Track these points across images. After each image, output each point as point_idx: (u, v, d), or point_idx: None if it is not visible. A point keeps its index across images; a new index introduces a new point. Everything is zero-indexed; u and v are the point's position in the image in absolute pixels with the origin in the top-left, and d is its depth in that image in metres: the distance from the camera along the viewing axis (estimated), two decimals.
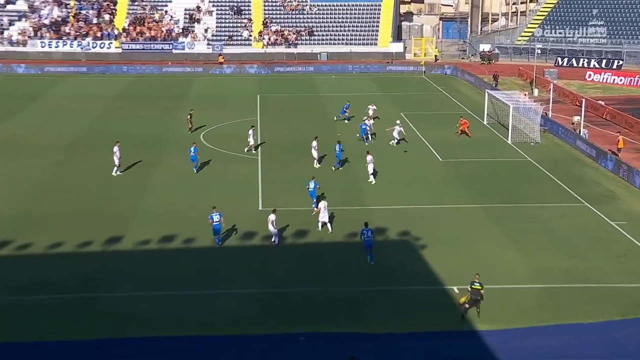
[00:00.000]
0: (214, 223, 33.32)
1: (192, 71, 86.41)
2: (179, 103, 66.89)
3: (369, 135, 52.41)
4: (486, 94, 61.00)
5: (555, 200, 40.56)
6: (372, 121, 54.25)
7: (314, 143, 46.53)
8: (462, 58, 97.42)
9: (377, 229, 35.25)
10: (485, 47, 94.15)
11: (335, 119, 58.20)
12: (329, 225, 35.13)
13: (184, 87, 76.46)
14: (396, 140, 51.37)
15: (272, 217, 33.41)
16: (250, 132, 50.00)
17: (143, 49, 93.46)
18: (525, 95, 62.44)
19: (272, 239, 33.84)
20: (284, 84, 79.21)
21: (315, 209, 36.16)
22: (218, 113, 61.56)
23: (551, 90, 62.46)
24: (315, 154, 46.44)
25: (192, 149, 44.95)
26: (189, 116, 55.24)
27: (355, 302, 28.37)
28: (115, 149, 44.50)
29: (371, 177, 42.91)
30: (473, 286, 27.03)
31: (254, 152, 49.48)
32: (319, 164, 46.28)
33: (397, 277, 30.32)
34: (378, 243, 33.68)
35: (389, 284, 29.76)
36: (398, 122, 52.81)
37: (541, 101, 60.03)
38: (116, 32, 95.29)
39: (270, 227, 33.42)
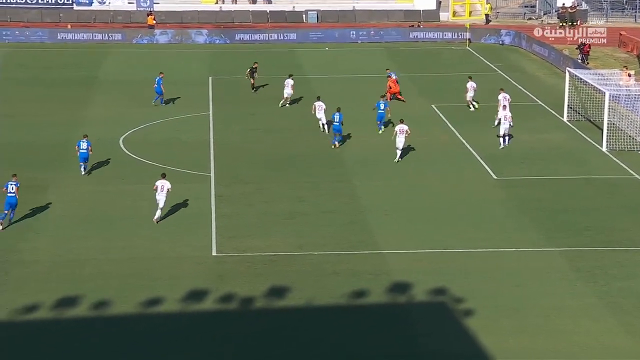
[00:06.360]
0: (9, 194, 40.92)
1: (106, 39, 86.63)
2: (85, 92, 66.62)
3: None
4: (567, 75, 61.40)
5: None
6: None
7: (318, 104, 55.35)
8: (530, 18, 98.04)
9: (395, 285, 35.45)
10: None
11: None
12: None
13: (92, 64, 76.36)
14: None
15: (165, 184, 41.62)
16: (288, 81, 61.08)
17: (25, 4, 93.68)
18: (630, 76, 62.87)
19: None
20: (250, 60, 79.10)
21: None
22: (146, 108, 61.55)
23: None
24: (320, 115, 55.13)
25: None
26: (252, 69, 65.20)
27: None
28: None
29: (398, 153, 50.46)
30: None
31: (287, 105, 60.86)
32: (326, 130, 55.14)
33: None
34: (399, 307, 33.86)
35: None
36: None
37: None
38: None
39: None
